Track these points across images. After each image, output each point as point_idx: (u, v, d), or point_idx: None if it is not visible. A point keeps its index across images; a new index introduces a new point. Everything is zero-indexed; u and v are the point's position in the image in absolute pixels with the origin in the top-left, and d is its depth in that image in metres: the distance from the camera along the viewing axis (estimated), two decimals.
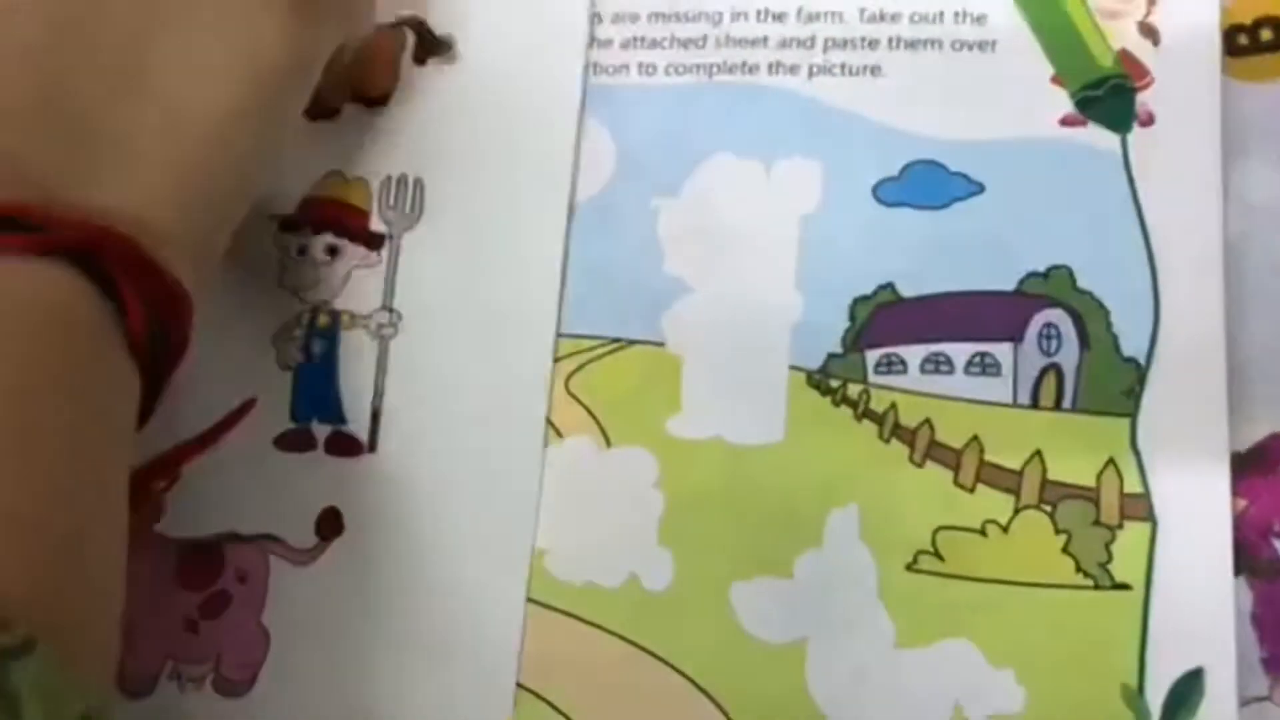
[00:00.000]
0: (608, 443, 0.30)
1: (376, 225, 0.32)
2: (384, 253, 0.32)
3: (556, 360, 0.31)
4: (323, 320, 0.32)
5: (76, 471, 0.23)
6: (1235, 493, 0.28)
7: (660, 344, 0.31)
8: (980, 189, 0.30)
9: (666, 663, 0.29)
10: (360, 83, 0.33)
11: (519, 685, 0.29)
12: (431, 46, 0.33)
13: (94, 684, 0.22)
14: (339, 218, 0.32)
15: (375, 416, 0.31)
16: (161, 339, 0.25)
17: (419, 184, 0.32)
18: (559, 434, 0.30)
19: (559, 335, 0.31)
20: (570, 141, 0.32)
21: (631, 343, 0.31)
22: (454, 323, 0.31)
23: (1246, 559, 0.28)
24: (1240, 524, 0.28)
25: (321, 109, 0.33)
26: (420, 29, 0.33)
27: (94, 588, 0.23)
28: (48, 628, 0.20)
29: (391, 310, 0.31)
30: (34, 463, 0.22)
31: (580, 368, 0.31)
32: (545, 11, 0.33)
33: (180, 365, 0.26)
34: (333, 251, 0.32)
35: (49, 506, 0.22)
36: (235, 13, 0.26)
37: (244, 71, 0.26)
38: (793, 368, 0.30)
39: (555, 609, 0.29)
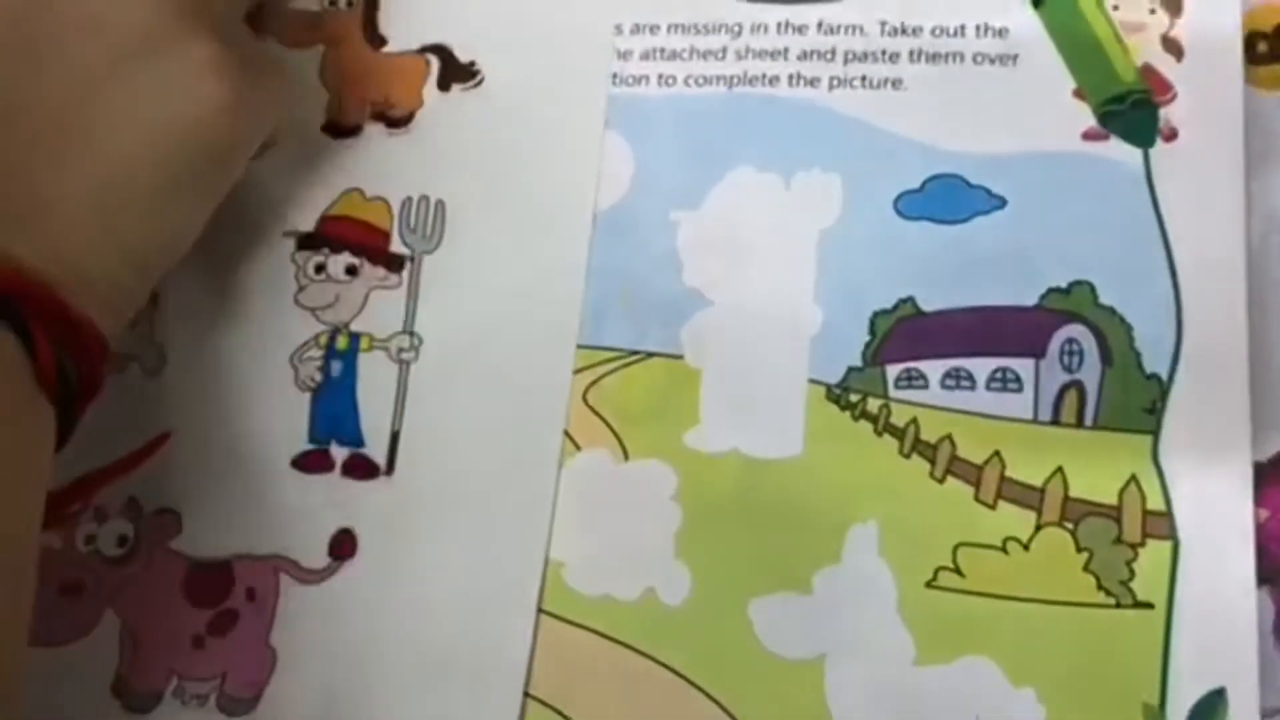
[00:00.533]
0: (625, 455, 0.30)
1: (397, 247, 0.32)
2: (404, 275, 0.32)
3: (575, 372, 0.31)
4: (341, 341, 0.31)
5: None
6: (1257, 503, 0.28)
7: (679, 356, 0.30)
8: (1002, 203, 0.30)
9: (683, 677, 0.28)
10: (383, 105, 0.32)
11: (537, 699, 0.29)
12: (455, 73, 0.33)
13: None
14: (358, 237, 0.32)
15: (394, 439, 0.31)
16: (73, 378, 0.25)
17: (440, 206, 0.32)
18: (576, 446, 0.30)
19: (577, 347, 0.31)
20: (593, 167, 0.32)
21: (650, 355, 0.31)
22: (475, 347, 0.31)
23: (1268, 570, 0.28)
24: (1262, 534, 0.28)
25: (342, 127, 0.33)
26: (444, 56, 0.33)
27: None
28: None
29: (413, 334, 0.31)
30: None
31: (598, 380, 0.31)
32: (570, 37, 0.33)
33: (93, 401, 0.27)
34: (351, 271, 0.32)
35: None
36: (178, 90, 0.27)
37: (179, 147, 0.27)
38: (812, 381, 0.30)
39: (571, 622, 0.29)
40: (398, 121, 0.33)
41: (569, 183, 0.32)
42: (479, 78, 0.33)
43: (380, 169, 0.32)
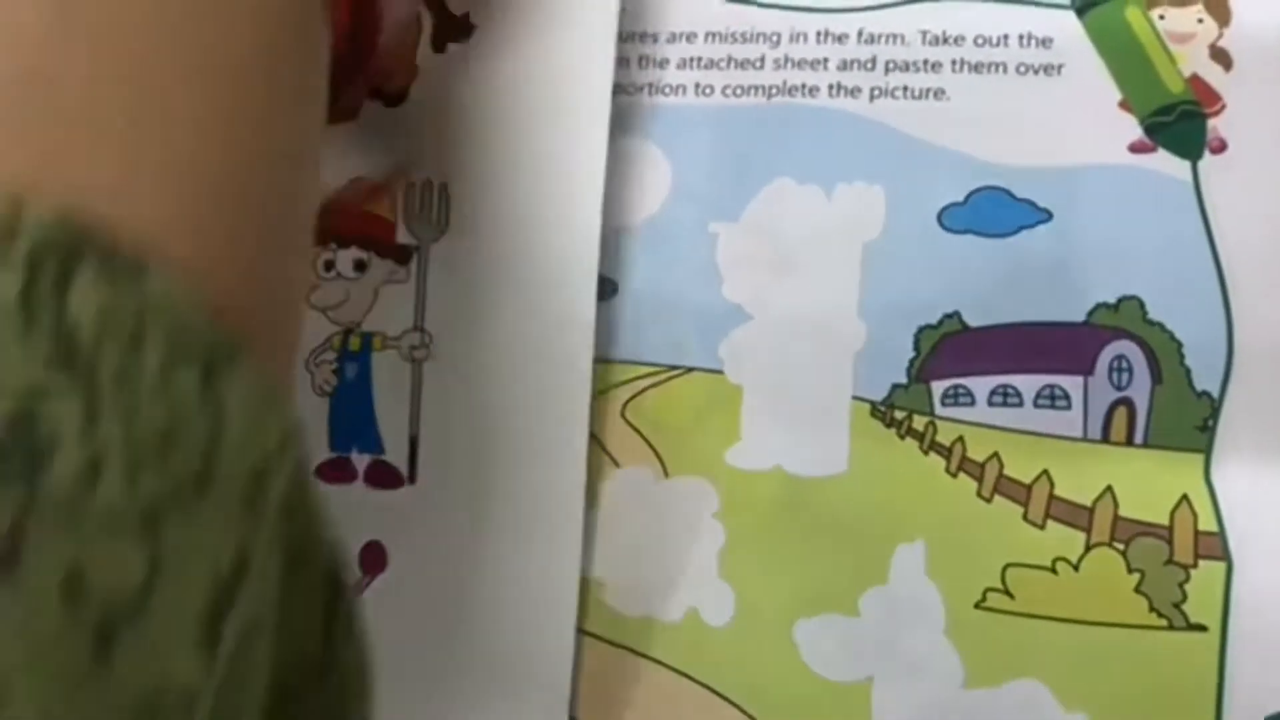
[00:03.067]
0: (666, 473, 0.30)
1: (403, 236, 0.31)
2: (412, 266, 0.30)
3: (613, 387, 0.30)
4: (354, 343, 0.30)
5: (281, 145, 0.21)
6: None
7: (719, 371, 0.30)
8: (1048, 216, 0.30)
9: (728, 700, 0.28)
10: (376, 76, 0.30)
11: None
12: (450, 28, 0.31)
13: (285, 395, 0.21)
14: (365, 228, 0.31)
15: (413, 445, 0.30)
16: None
17: (444, 190, 0.30)
18: (616, 463, 0.30)
19: (614, 361, 0.30)
20: (602, 135, 0.30)
21: (689, 370, 0.30)
22: (487, 342, 0.30)
23: None
24: None
25: (339, 110, 0.31)
26: (436, 8, 0.31)
27: (288, 275, 0.22)
28: (252, 320, 0.19)
29: (423, 330, 0.30)
30: (248, 131, 0.20)
31: (636, 395, 0.30)
32: None
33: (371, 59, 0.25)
34: (360, 266, 0.31)
35: (259, 181, 0.21)
36: None
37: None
38: (856, 398, 0.29)
39: (613, 642, 0.29)
40: (394, 98, 0.31)
41: (575, 153, 0.30)
42: (474, 32, 0.31)
43: (382, 152, 0.31)
